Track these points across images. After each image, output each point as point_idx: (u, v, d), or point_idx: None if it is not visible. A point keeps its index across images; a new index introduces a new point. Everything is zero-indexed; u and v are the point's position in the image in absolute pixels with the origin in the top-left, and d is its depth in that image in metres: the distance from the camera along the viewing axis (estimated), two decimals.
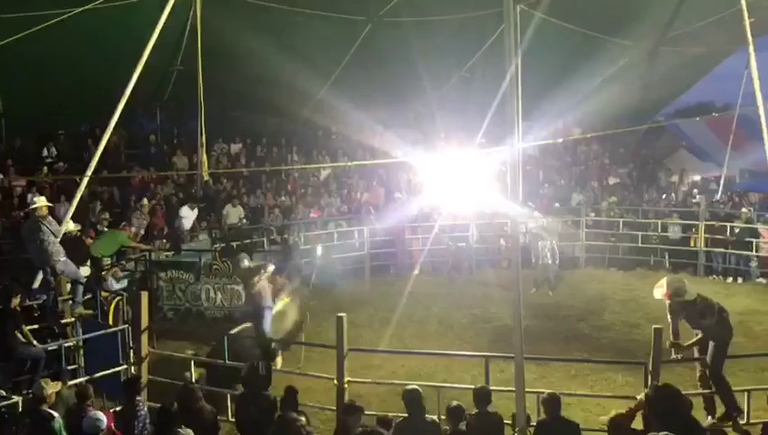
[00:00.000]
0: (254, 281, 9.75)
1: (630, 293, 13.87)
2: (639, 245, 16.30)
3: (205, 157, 14.55)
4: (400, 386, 6.68)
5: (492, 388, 6.44)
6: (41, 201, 9.75)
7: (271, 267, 10.09)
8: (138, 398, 6.74)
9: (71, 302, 9.77)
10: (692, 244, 16.03)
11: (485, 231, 16.49)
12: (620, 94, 18.12)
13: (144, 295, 8.20)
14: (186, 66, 15.14)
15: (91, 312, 9.81)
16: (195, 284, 12.08)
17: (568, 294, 14.14)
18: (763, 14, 13.25)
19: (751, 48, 12.54)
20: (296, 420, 6.10)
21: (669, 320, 7.52)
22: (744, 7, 11.97)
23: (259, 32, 14.08)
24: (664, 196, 18.88)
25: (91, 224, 12.82)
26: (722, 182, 18.52)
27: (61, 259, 9.50)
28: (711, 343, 7.38)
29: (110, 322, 9.75)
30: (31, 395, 6.57)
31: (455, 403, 6.12)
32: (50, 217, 9.70)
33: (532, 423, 6.21)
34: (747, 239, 15.07)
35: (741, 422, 7.19)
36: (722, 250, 15.45)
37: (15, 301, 8.22)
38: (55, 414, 6.16)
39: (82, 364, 8.73)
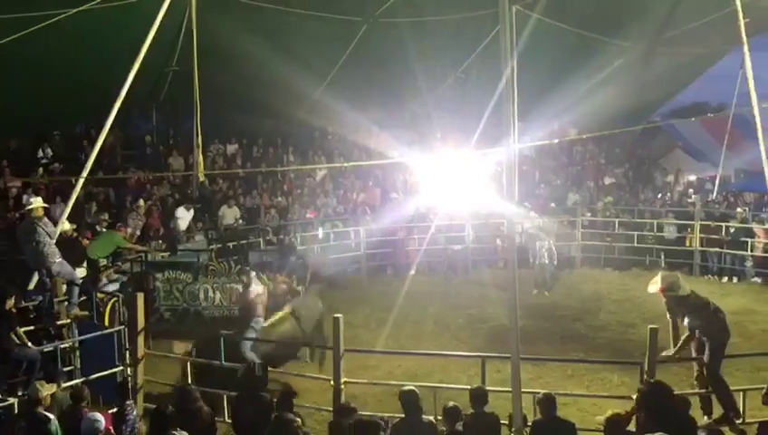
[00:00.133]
0: (248, 281, 9.43)
1: (626, 293, 13.87)
2: (635, 245, 16.32)
3: (201, 158, 14.58)
4: (397, 387, 6.66)
5: (488, 388, 6.43)
6: (36, 202, 9.68)
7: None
8: (127, 402, 6.71)
9: (66, 303, 9.72)
10: (687, 244, 16.05)
11: (482, 231, 16.46)
12: (616, 95, 18.11)
13: (140, 297, 8.17)
14: (181, 67, 15.10)
15: (86, 313, 9.77)
16: (193, 283, 12.03)
17: (564, 294, 14.15)
18: (758, 14, 13.32)
19: (745, 48, 12.62)
20: (293, 420, 6.09)
21: (668, 318, 7.54)
22: (739, 8, 12.05)
23: (254, 33, 14.05)
24: (659, 196, 18.91)
25: (87, 225, 12.77)
26: (717, 182, 18.58)
27: (56, 260, 9.45)
28: (707, 344, 7.39)
29: (106, 323, 9.73)
30: (26, 397, 6.55)
31: (451, 404, 6.11)
32: (45, 219, 9.63)
33: (528, 423, 6.21)
34: (742, 239, 15.12)
35: (738, 422, 7.21)
36: (717, 250, 15.47)
37: (10, 302, 8.16)
38: (51, 416, 6.13)
39: (78, 366, 8.69)
